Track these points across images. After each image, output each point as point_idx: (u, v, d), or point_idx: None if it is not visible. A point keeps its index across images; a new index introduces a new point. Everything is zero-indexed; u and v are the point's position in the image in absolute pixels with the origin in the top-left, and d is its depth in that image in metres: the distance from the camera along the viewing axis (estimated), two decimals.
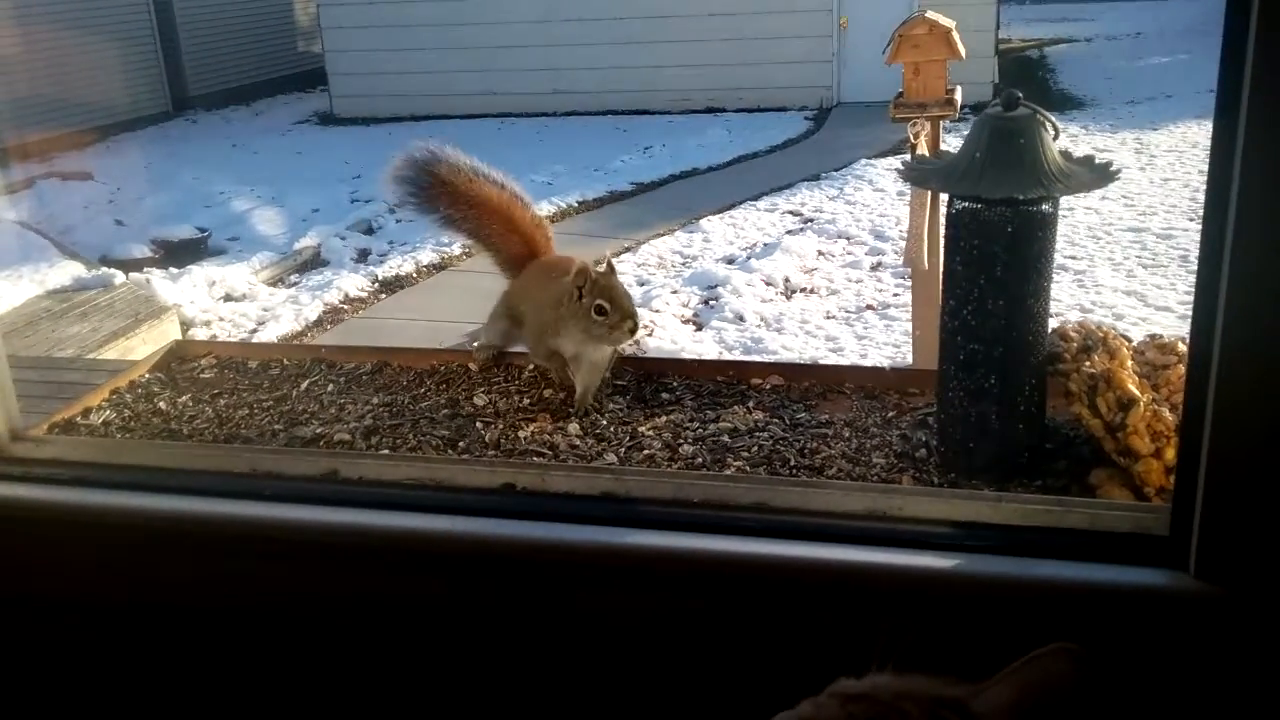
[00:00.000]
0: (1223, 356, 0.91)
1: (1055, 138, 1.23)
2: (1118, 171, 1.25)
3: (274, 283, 7.52)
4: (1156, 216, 7.34)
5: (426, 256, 7.81)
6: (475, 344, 1.78)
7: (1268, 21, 0.80)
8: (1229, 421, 0.92)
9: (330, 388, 1.68)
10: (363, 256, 7.92)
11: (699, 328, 6.23)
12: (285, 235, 8.32)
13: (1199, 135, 8.46)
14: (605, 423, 1.52)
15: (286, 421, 1.59)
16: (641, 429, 1.49)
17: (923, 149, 4.69)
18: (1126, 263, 6.50)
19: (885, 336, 5.79)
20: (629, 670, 1.13)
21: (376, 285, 7.36)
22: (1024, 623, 1.04)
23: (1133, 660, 1.00)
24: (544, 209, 8.41)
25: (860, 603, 1.07)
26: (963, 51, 4.74)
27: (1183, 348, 1.36)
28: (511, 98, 11.41)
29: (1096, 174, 1.24)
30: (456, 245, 7.91)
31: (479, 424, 1.53)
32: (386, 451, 1.48)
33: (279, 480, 1.31)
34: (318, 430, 1.55)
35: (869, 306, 6.36)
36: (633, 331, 1.56)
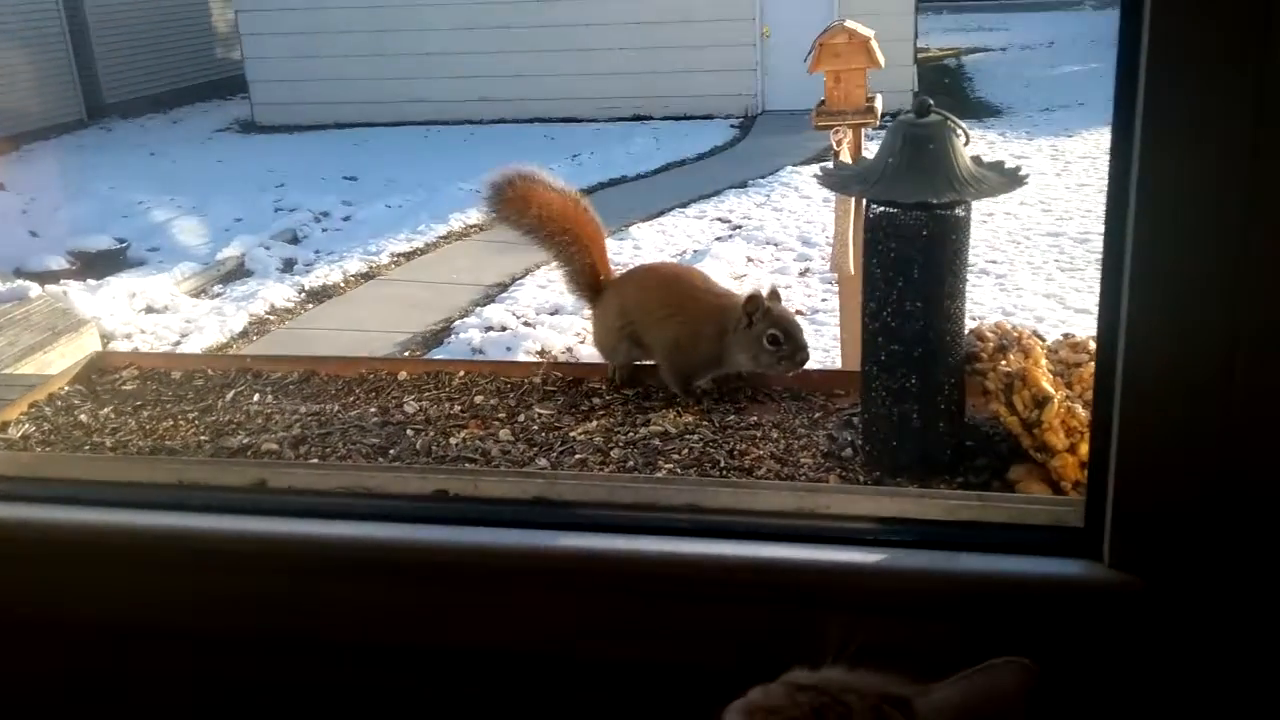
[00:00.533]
0: (1127, 355, 0.96)
1: (966, 143, 1.27)
2: (1026, 176, 1.30)
3: (197, 294, 7.38)
4: (1073, 221, 7.54)
5: (354, 265, 7.73)
6: (612, 367, 1.72)
7: (1158, 35, 0.84)
8: (1135, 416, 0.97)
9: (256, 398, 1.66)
10: (288, 266, 7.80)
11: None
12: (208, 245, 8.16)
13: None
14: (536, 428, 1.53)
15: (213, 433, 1.57)
16: (573, 433, 1.50)
17: (845, 156, 4.78)
18: (1046, 266, 6.68)
19: (815, 341, 5.85)
20: (566, 673, 1.14)
21: (303, 295, 7.26)
22: (947, 614, 1.07)
23: (1052, 649, 1.03)
24: (473, 217, 8.39)
25: (790, 598, 1.10)
26: (882, 60, 4.83)
27: (1094, 346, 1.41)
28: (438, 105, 11.33)
29: (1006, 178, 1.28)
30: (385, 254, 7.86)
31: (410, 431, 1.53)
32: (316, 461, 1.48)
33: (207, 491, 1.30)
34: (244, 441, 1.53)
35: (798, 312, 6.44)
36: (803, 363, 1.56)
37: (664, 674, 1.12)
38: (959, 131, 1.26)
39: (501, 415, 1.57)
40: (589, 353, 5.76)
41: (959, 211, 1.26)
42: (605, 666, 1.13)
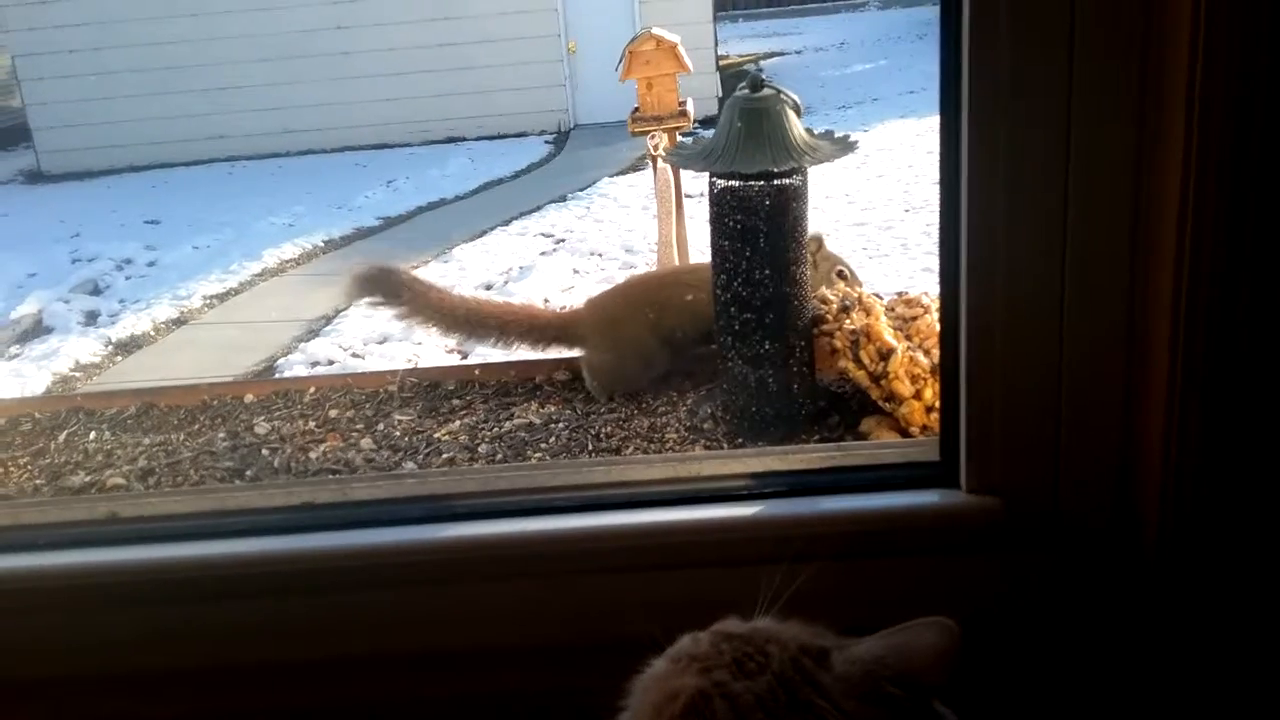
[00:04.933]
0: (969, 298, 1.01)
1: (799, 115, 1.34)
2: (855, 142, 1.38)
3: None
4: (876, 210, 7.91)
5: (164, 312, 7.34)
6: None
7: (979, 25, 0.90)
8: (980, 351, 1.03)
9: (93, 435, 1.57)
10: (91, 319, 7.34)
11: (464, 356, 6.18)
12: None
13: (903, 132, 9.19)
14: (399, 434, 1.50)
15: (49, 475, 1.48)
16: (437, 435, 1.48)
17: (662, 161, 4.89)
18: (855, 256, 6.98)
19: None
20: (467, 661, 1.13)
21: (110, 348, 6.84)
22: (823, 555, 1.11)
23: (925, 579, 1.09)
24: (288, 251, 8.12)
25: (673, 557, 1.11)
26: (690, 65, 4.97)
27: (926, 300, 1.50)
28: (239, 140, 10.91)
29: (838, 145, 1.35)
30: (196, 297, 7.51)
31: (265, 451, 1.48)
32: (170, 489, 1.41)
33: (53, 529, 1.22)
34: (86, 479, 1.45)
35: None
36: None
37: (571, 655, 1.12)
38: (791, 103, 1.32)
39: (360, 426, 1.54)
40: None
41: (797, 180, 1.32)
42: (508, 654, 1.12)
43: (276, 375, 6.13)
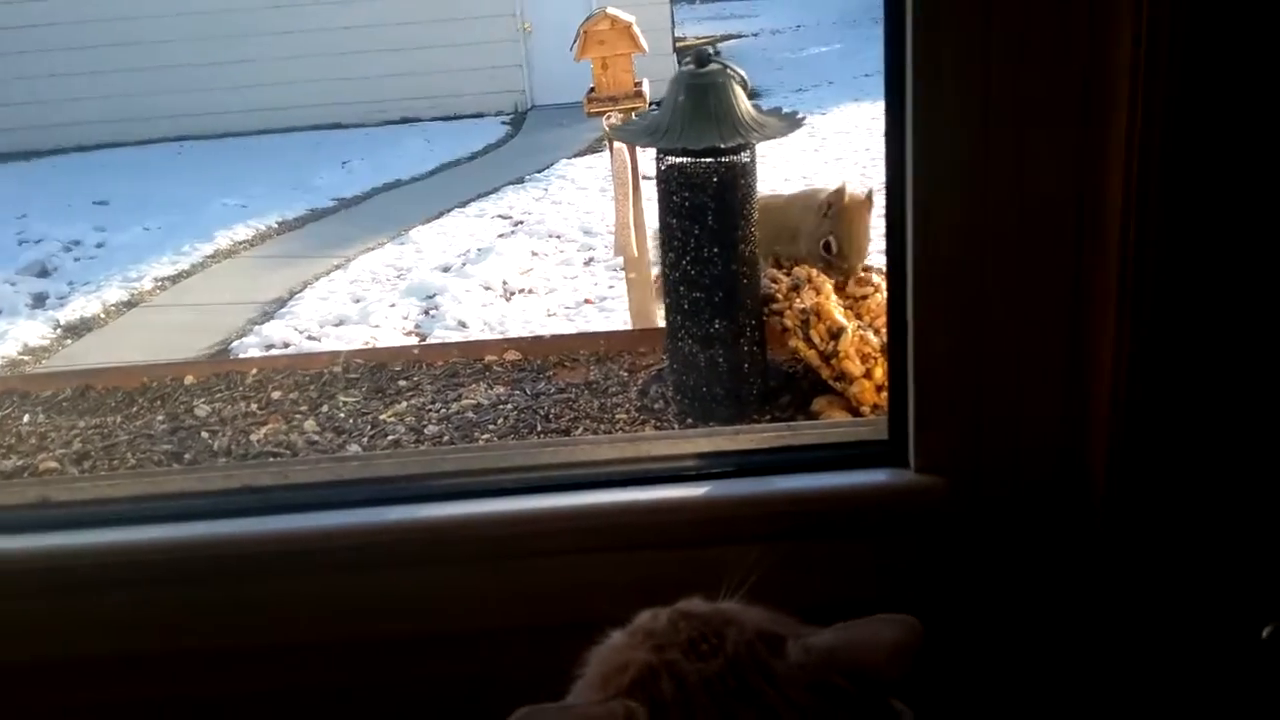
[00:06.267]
0: (915, 270, 1.01)
1: (746, 90, 1.32)
2: (803, 119, 1.37)
3: None
4: None
5: (114, 294, 7.22)
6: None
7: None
8: (927, 333, 1.02)
9: (26, 418, 1.53)
10: (39, 301, 7.20)
11: (422, 339, 6.14)
12: None
13: (859, 116, 9.22)
14: (343, 416, 1.48)
15: None
16: (383, 417, 1.46)
17: (619, 141, 4.86)
18: None
19: (606, 326, 5.93)
20: (415, 646, 1.11)
21: (60, 331, 6.72)
22: (774, 534, 1.11)
23: (873, 556, 1.09)
24: (241, 233, 8.01)
25: (624, 539, 1.10)
26: (645, 45, 4.93)
27: (876, 279, 1.50)
28: (191, 119, 10.73)
29: (785, 122, 1.34)
30: (147, 279, 7.39)
31: (205, 434, 1.45)
32: (105, 473, 1.37)
33: None
34: (19, 463, 1.41)
35: (587, 300, 6.50)
36: (848, 274, 1.50)
37: (521, 638, 1.10)
38: (738, 79, 1.30)
39: (304, 408, 1.51)
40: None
41: (745, 157, 1.31)
42: (456, 639, 1.11)
43: (230, 359, 6.06)
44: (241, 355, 5.99)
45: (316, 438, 1.44)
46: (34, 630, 1.10)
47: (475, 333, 6.14)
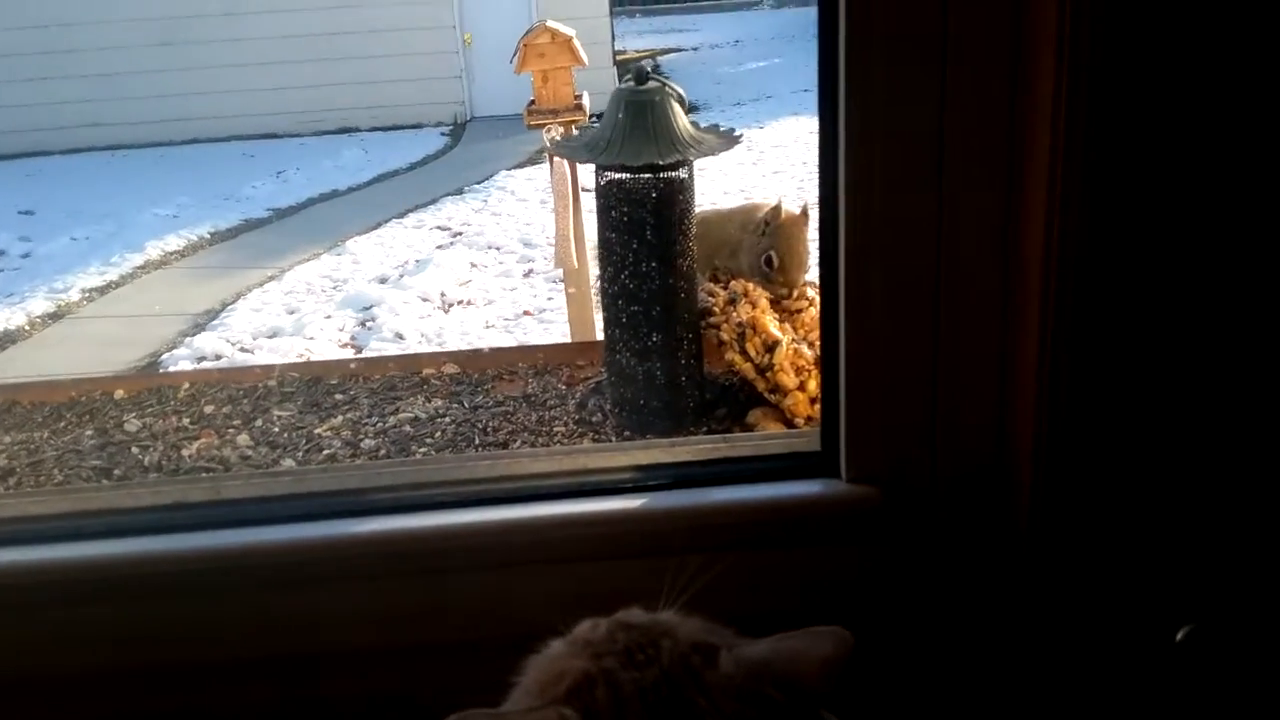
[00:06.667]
0: (847, 290, 1.03)
1: (684, 107, 1.34)
2: (740, 136, 1.39)
3: None
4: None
5: (39, 306, 7.04)
6: None
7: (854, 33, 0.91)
8: (858, 346, 1.04)
9: None
10: None
11: (358, 351, 6.07)
12: None
13: (797, 130, 9.32)
14: (278, 430, 1.46)
15: None
16: (318, 431, 1.45)
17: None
18: None
19: (545, 338, 5.92)
20: (350, 662, 1.10)
21: None
22: (708, 546, 1.12)
23: (805, 567, 1.10)
24: (172, 243, 7.86)
25: (560, 551, 1.11)
26: (585, 59, 4.95)
27: (811, 293, 1.52)
28: (121, 128, 10.49)
29: (723, 139, 1.36)
30: (74, 290, 7.22)
31: (135, 449, 1.42)
32: (29, 489, 1.34)
33: None
34: None
35: (526, 313, 6.48)
36: (790, 289, 1.50)
37: (458, 652, 1.10)
38: (676, 96, 1.32)
39: (237, 422, 1.49)
40: None
41: (683, 174, 1.33)
42: (392, 654, 1.10)
43: (160, 371, 5.93)
44: (172, 368, 5.88)
45: (250, 452, 1.42)
46: None
47: (413, 345, 6.09)
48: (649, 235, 1.34)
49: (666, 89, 1.33)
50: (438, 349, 5.94)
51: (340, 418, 1.49)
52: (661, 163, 1.31)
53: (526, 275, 7.03)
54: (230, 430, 1.48)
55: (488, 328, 6.22)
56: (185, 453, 1.41)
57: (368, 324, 6.32)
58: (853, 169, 0.98)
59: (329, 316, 6.47)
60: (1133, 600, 1.03)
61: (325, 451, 1.41)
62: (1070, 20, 0.85)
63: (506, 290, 6.84)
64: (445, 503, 1.16)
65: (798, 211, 1.53)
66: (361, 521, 1.13)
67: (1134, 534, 1.01)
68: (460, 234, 7.87)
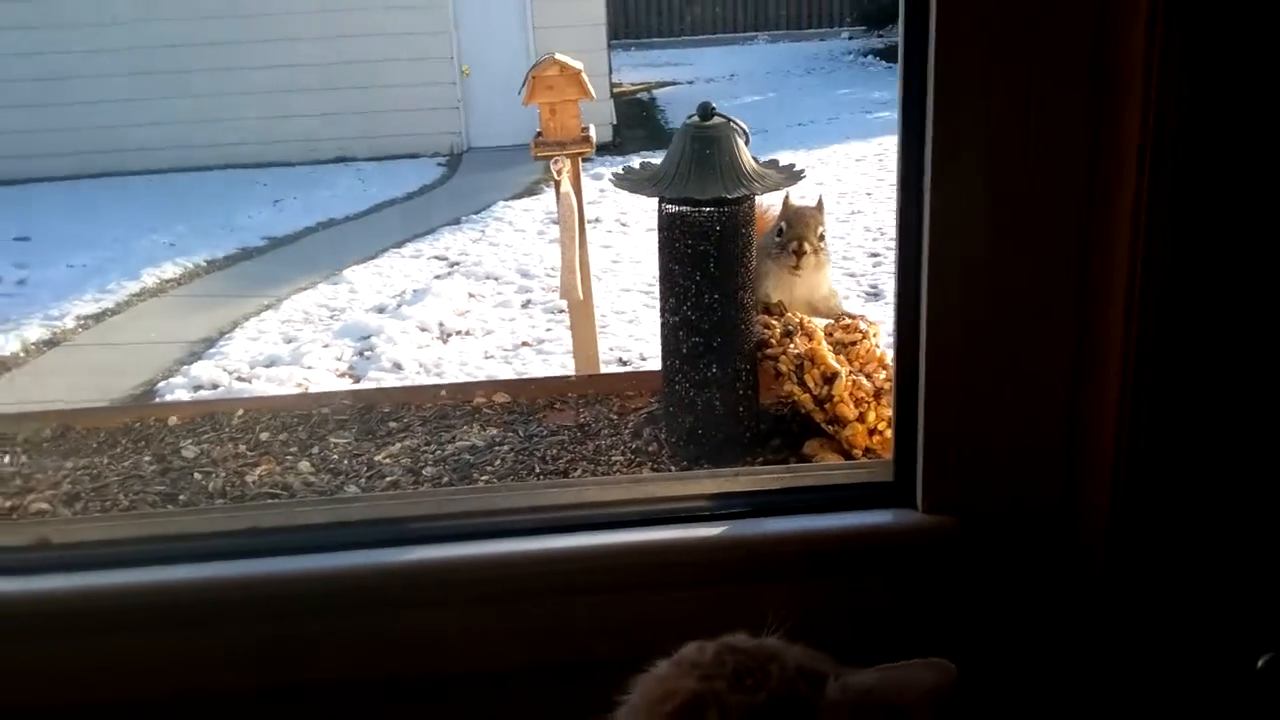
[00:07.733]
0: (929, 333, 1.06)
1: (747, 143, 1.37)
2: (802, 172, 1.42)
3: None
4: None
5: (34, 333, 7.00)
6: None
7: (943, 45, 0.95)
8: (939, 375, 1.07)
9: (7, 459, 1.50)
10: None
11: (356, 380, 6.06)
12: None
13: (795, 162, 9.39)
14: (337, 457, 1.47)
15: None
16: (378, 458, 1.46)
17: (566, 186, 4.91)
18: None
19: (544, 369, 5.94)
20: (426, 687, 1.11)
21: None
22: (786, 574, 1.14)
23: (885, 597, 1.12)
24: (168, 271, 7.85)
25: (632, 579, 1.12)
26: (593, 92, 5.00)
27: (864, 326, 1.54)
28: (120, 155, 10.47)
29: (785, 174, 1.39)
30: (69, 318, 7.20)
31: (197, 475, 1.43)
32: (99, 514, 1.35)
33: None
34: (6, 504, 1.37)
35: (524, 343, 6.49)
36: (796, 253, 1.53)
37: (540, 677, 1.11)
38: (740, 132, 1.35)
39: (294, 449, 1.50)
40: None
41: (745, 207, 1.36)
42: (467, 680, 1.11)
43: (156, 399, 5.90)
44: (169, 397, 5.85)
45: (313, 479, 1.43)
46: (39, 675, 1.08)
47: (411, 375, 6.08)
48: (712, 268, 1.37)
49: (731, 124, 1.36)
50: (437, 379, 5.93)
51: (398, 445, 1.51)
52: (728, 196, 1.34)
53: (525, 306, 7.05)
54: (289, 457, 1.49)
55: (487, 358, 6.23)
56: (248, 479, 1.42)
57: (366, 353, 6.32)
58: (937, 234, 1.01)
59: (327, 345, 6.46)
60: (1210, 626, 1.05)
61: (388, 478, 1.42)
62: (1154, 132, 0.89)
63: (505, 320, 6.85)
64: (516, 530, 1.17)
65: (812, 203, 1.61)
66: (437, 548, 1.15)
67: (1210, 562, 1.04)
68: (458, 264, 7.88)
